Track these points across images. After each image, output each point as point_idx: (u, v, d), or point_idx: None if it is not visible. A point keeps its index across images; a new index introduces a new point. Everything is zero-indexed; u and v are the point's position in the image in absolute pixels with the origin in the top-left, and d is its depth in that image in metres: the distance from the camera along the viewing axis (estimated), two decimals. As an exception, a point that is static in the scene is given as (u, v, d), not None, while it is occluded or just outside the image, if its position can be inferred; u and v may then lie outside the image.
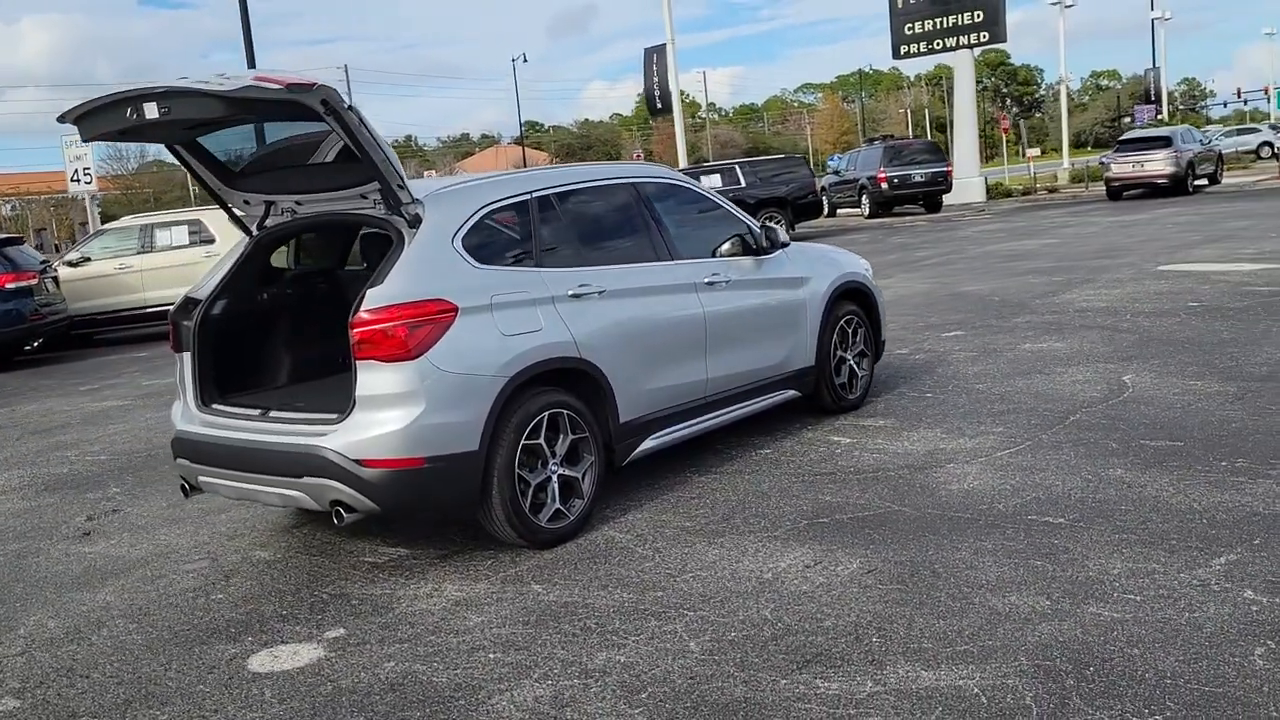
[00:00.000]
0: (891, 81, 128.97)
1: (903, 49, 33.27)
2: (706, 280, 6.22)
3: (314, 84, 4.46)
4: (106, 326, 16.95)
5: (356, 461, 4.71)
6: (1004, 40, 33.11)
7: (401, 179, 4.89)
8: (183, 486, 5.52)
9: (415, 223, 4.97)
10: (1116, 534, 4.72)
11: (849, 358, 7.36)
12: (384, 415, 4.73)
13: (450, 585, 4.86)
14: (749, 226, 6.79)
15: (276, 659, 4.27)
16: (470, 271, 5.07)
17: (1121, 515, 4.94)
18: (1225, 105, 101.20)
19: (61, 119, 4.97)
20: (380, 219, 5.16)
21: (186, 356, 5.53)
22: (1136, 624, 3.84)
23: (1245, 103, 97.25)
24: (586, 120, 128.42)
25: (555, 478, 5.24)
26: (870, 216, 31.37)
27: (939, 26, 32.48)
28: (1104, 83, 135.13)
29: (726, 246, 6.51)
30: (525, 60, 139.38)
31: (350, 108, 4.60)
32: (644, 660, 3.92)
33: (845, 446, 6.58)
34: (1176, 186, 28.89)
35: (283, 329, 6.07)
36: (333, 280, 6.34)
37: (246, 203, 5.71)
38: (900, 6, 32.77)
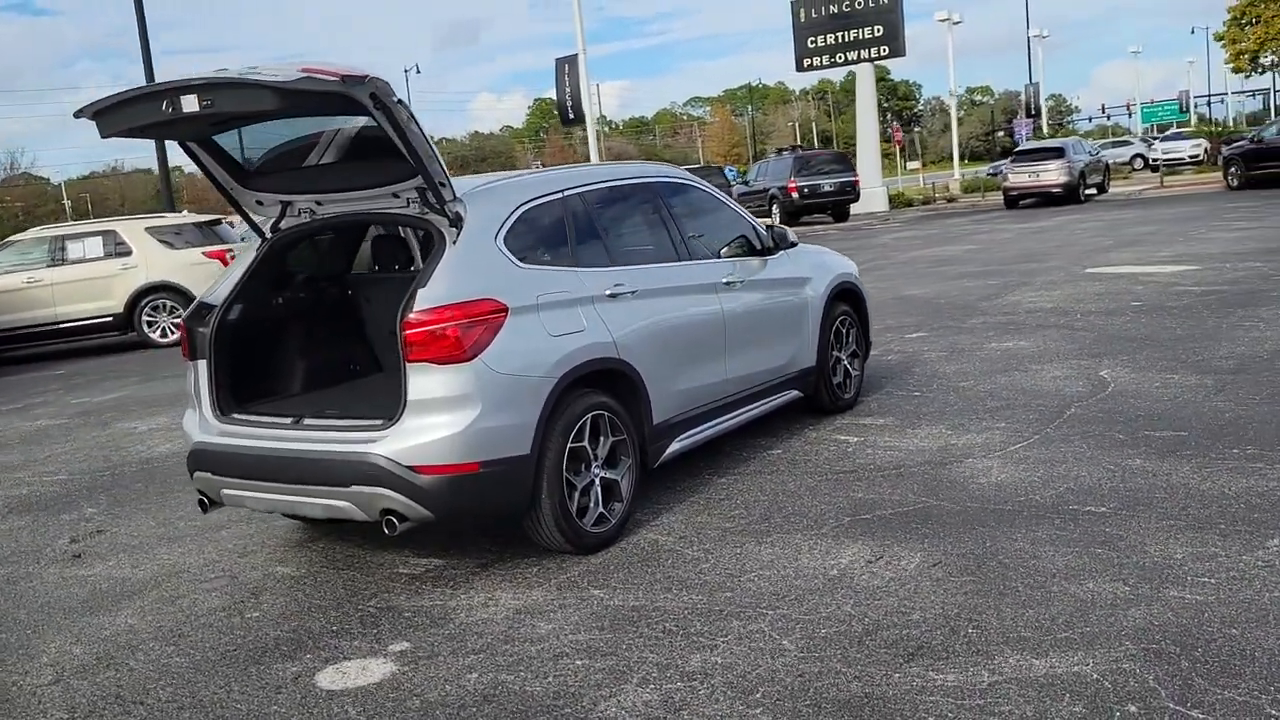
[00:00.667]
0: (779, 96, 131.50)
1: (806, 62, 33.91)
2: (725, 280, 6.20)
3: (365, 76, 4.29)
4: (15, 344, 16.08)
5: (410, 468, 4.54)
6: (903, 54, 34.06)
7: (446, 176, 4.74)
8: (201, 501, 5.24)
9: (457, 221, 4.82)
10: (1163, 520, 4.82)
11: (843, 358, 7.42)
12: (438, 419, 4.56)
13: (504, 594, 4.71)
14: (754, 227, 6.79)
15: (345, 675, 4.08)
16: (515, 271, 4.95)
17: (1160, 503, 5.05)
18: (1090, 120, 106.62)
19: (79, 114, 4.68)
20: (418, 218, 4.99)
21: (202, 365, 5.26)
22: (1223, 605, 3.92)
23: (1109, 117, 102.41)
24: (476, 132, 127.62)
25: (597, 481, 5.14)
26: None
27: (840, 40, 33.23)
28: (978, 98, 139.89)
29: (735, 246, 6.49)
30: (419, 72, 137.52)
31: (400, 101, 4.44)
32: (742, 661, 3.85)
33: (855, 445, 6.60)
34: (1069, 195, 30.02)
35: (298, 334, 5.83)
36: (347, 284, 6.11)
37: (259, 203, 5.47)
38: (803, 21, 33.42)
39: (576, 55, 28.58)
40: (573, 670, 3.91)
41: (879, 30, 32.54)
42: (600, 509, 5.12)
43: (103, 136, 4.77)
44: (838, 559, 4.74)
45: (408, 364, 4.58)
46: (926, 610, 4.13)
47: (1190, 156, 45.61)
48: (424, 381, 4.57)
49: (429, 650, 4.21)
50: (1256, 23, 40.34)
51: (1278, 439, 5.88)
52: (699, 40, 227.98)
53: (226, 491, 5.08)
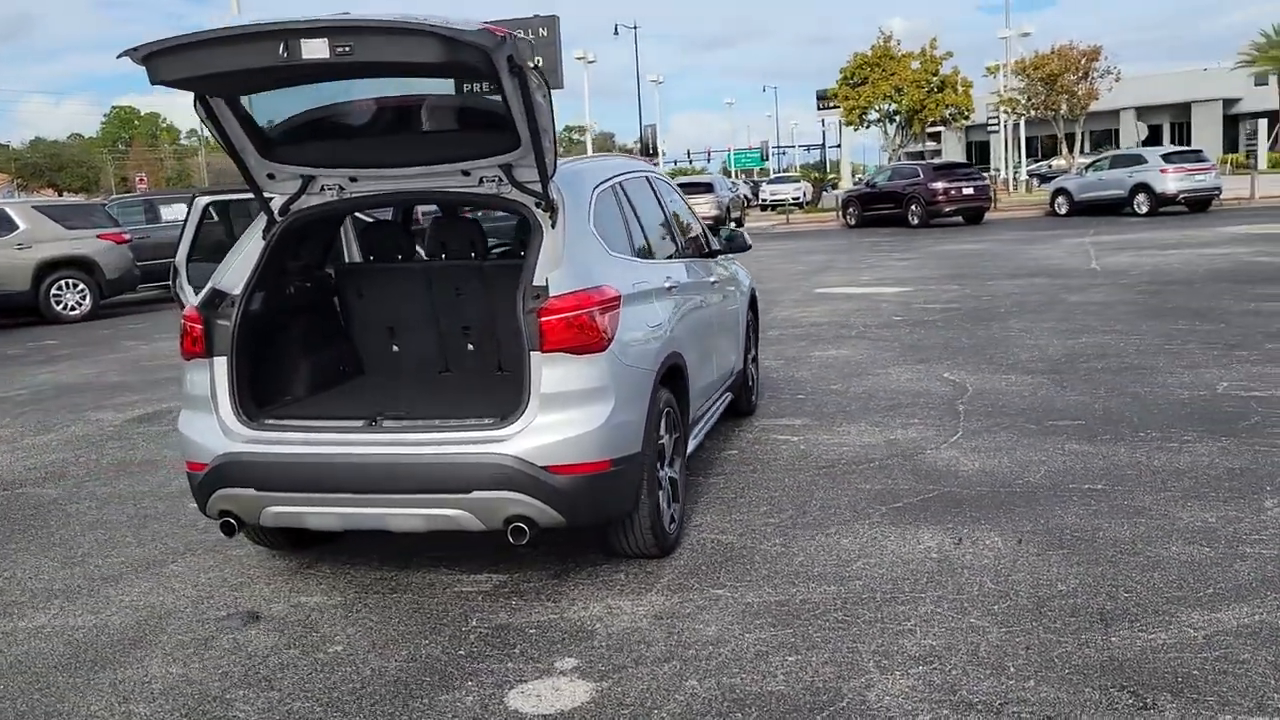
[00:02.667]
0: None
1: (464, 88, 33.70)
2: (712, 280, 6.18)
3: (509, 34, 3.91)
4: None
5: (543, 468, 4.14)
6: (560, 88, 34.99)
7: (556, 154, 4.40)
8: (227, 524, 4.43)
9: (552, 204, 4.47)
10: (1159, 493, 5.41)
11: (749, 362, 7.60)
12: (573, 414, 4.20)
13: (622, 602, 4.41)
14: (703, 227, 6.82)
15: (541, 699, 3.66)
16: (609, 259, 4.68)
17: (1139, 479, 5.66)
18: (675, 162, 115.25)
19: (131, 54, 3.83)
20: (496, 199, 4.56)
21: (220, 362, 4.46)
22: (1306, 555, 4.50)
23: (691, 161, 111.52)
24: (39, 139, 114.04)
25: (666, 480, 4.95)
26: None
27: (499, 67, 33.43)
28: (575, 136, 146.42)
29: (698, 245, 6.50)
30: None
31: (536, 67, 4.07)
32: (955, 640, 3.89)
33: (802, 444, 6.79)
34: (718, 226, 32.19)
35: (315, 328, 5.09)
36: (375, 272, 5.42)
37: (271, 176, 4.73)
38: (462, 42, 33.24)
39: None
40: (795, 666, 3.76)
41: (538, 61, 33.18)
42: (670, 509, 4.93)
43: (154, 82, 3.95)
44: (922, 543, 4.88)
45: (540, 355, 4.18)
46: (1066, 581, 4.37)
47: (793, 198, 50.43)
48: (558, 373, 4.19)
49: (608, 664, 3.86)
50: (864, 83, 45.72)
51: (1164, 422, 6.75)
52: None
53: (276, 510, 4.34)
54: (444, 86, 4.57)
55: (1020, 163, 50.55)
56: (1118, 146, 52.49)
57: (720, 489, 5.89)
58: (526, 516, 4.16)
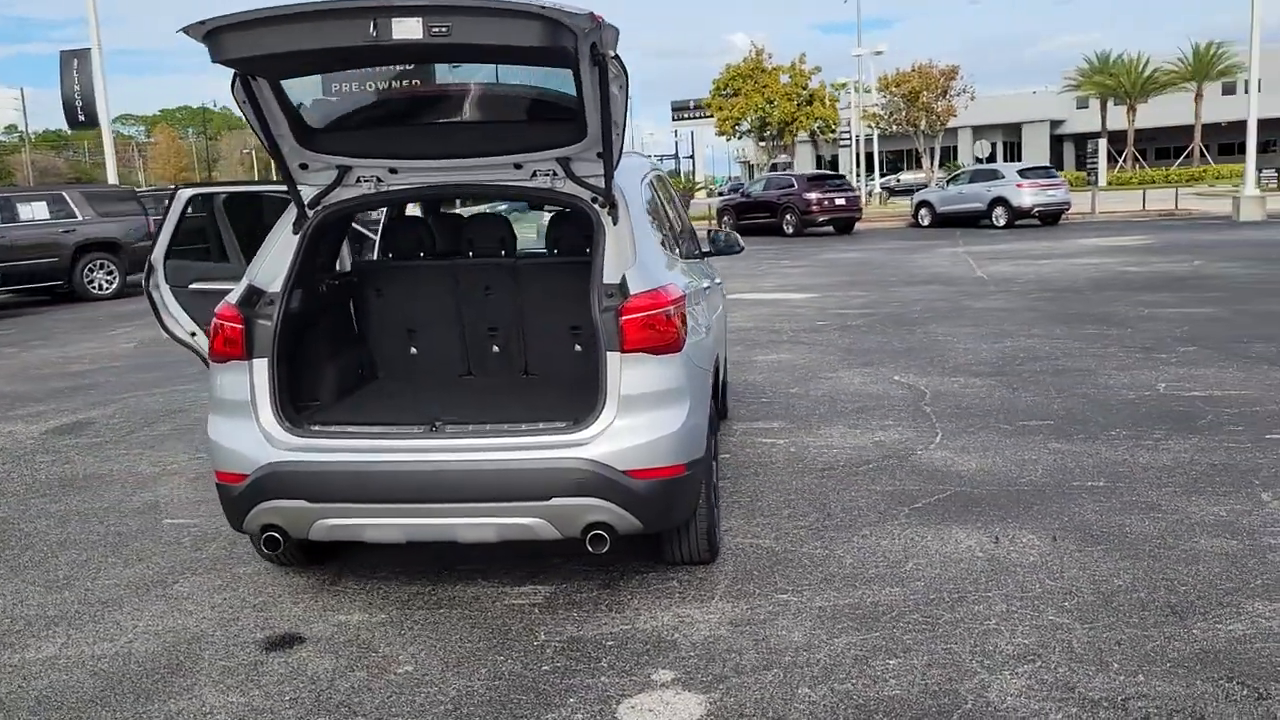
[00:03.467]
0: (223, 121, 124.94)
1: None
2: (717, 281, 6.11)
3: (601, 19, 3.76)
4: None
5: (624, 473, 3.98)
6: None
7: (621, 148, 4.25)
8: (271, 538, 4.10)
9: (612, 200, 4.32)
10: (1161, 489, 5.59)
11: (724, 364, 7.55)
12: (653, 416, 4.05)
13: (690, 610, 4.28)
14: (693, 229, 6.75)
15: (655, 714, 3.52)
16: (664, 256, 4.55)
17: (1133, 476, 5.84)
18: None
19: (190, 30, 3.51)
20: (551, 193, 4.38)
21: (260, 365, 4.14)
22: (1325, 545, 4.72)
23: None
24: None
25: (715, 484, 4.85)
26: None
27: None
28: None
29: (697, 245, 6.42)
30: None
31: (616, 56, 3.93)
32: (1046, 638, 3.91)
33: (791, 446, 6.78)
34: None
35: (329, 328, 4.76)
36: (409, 268, 5.13)
37: (305, 167, 4.42)
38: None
39: (90, 49, 25.22)
40: (901, 670, 3.71)
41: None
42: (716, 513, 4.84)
43: (216, 61, 3.63)
44: (961, 542, 4.92)
45: (620, 355, 4.02)
46: (1119, 576, 4.46)
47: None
48: (639, 374, 4.03)
49: (707, 674, 3.74)
50: (737, 94, 46.58)
51: (1128, 422, 7.01)
52: (122, 54, 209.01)
53: (330, 523, 4.04)
54: (506, 74, 4.36)
55: (873, 176, 52.25)
56: (955, 162, 54.83)
57: (731, 493, 5.81)
58: (606, 524, 3.99)
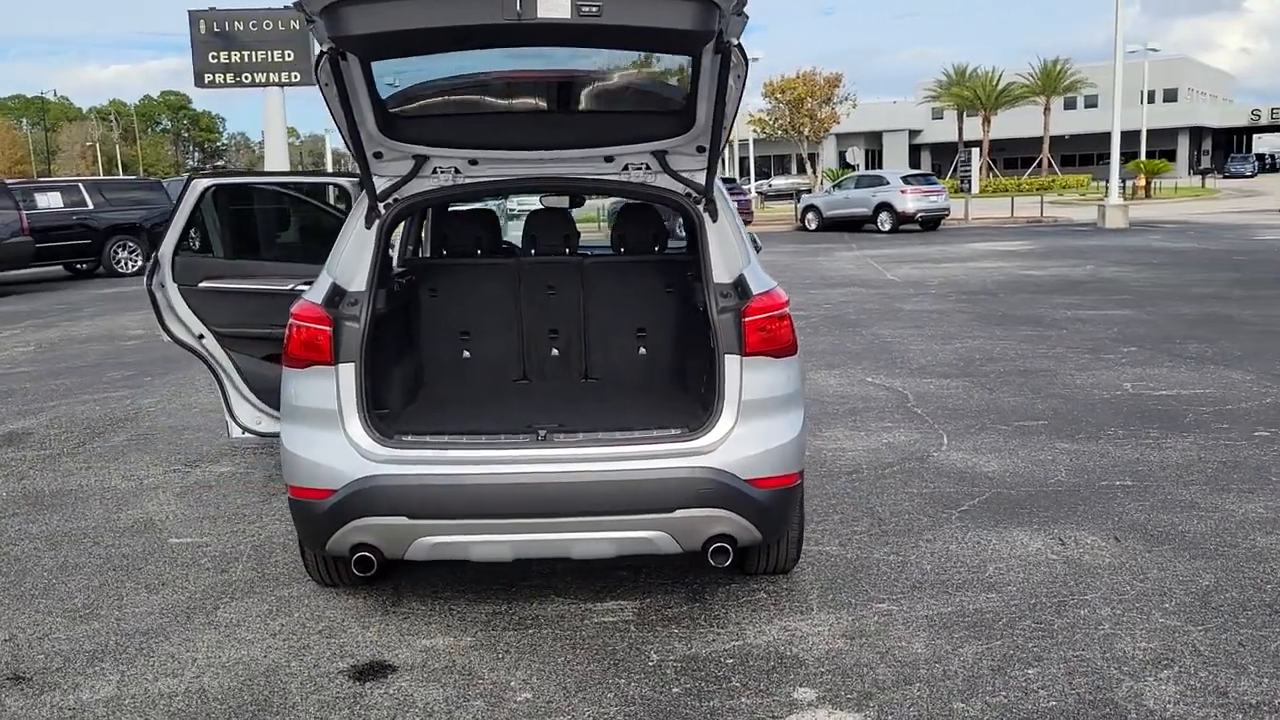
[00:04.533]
0: (60, 111, 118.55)
1: (207, 78, 31.34)
2: None
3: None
4: None
5: (747, 482, 3.80)
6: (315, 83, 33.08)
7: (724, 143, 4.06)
8: (365, 558, 3.76)
9: (711, 197, 4.12)
10: (1189, 487, 5.69)
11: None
12: (774, 423, 3.87)
13: (797, 624, 4.12)
14: None
15: (819, 735, 3.34)
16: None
17: (1155, 475, 5.94)
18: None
19: (303, 7, 3.17)
20: (654, 189, 4.15)
21: (347, 370, 3.79)
22: (1374, 540, 4.86)
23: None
24: None
25: (792, 491, 4.69)
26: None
27: (247, 60, 31.36)
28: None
29: None
30: None
31: (739, 44, 3.74)
32: (1168, 641, 3.89)
33: (809, 450, 6.66)
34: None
35: (396, 331, 4.41)
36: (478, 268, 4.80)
37: (379, 155, 4.08)
38: (203, 33, 30.83)
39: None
40: (1044, 680, 3.63)
41: (289, 55, 31.35)
42: (790, 522, 4.68)
43: (333, 36, 3.29)
44: (1028, 545, 4.89)
45: (742, 359, 3.82)
46: (1201, 576, 4.48)
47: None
48: (761, 379, 3.85)
49: (851, 691, 3.59)
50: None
51: (1118, 422, 7.14)
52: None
53: (432, 541, 3.73)
54: (609, 59, 4.09)
55: (749, 180, 52.98)
56: (830, 169, 56.04)
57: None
58: (730, 536, 3.79)
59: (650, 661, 3.81)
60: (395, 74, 3.90)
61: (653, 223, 5.16)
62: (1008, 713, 3.40)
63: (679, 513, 3.71)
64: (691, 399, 4.61)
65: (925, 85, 71.85)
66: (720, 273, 3.94)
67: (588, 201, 6.47)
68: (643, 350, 4.98)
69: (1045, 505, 5.44)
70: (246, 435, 5.63)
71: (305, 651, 3.95)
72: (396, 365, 4.49)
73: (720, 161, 4.11)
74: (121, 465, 6.66)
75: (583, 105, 4.24)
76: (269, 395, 5.45)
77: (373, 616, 4.24)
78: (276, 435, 5.56)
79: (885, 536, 5.04)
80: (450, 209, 5.24)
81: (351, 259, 3.95)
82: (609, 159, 4.12)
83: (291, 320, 3.86)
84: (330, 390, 3.77)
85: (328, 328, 3.77)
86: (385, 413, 4.19)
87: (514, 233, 6.50)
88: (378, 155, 4.06)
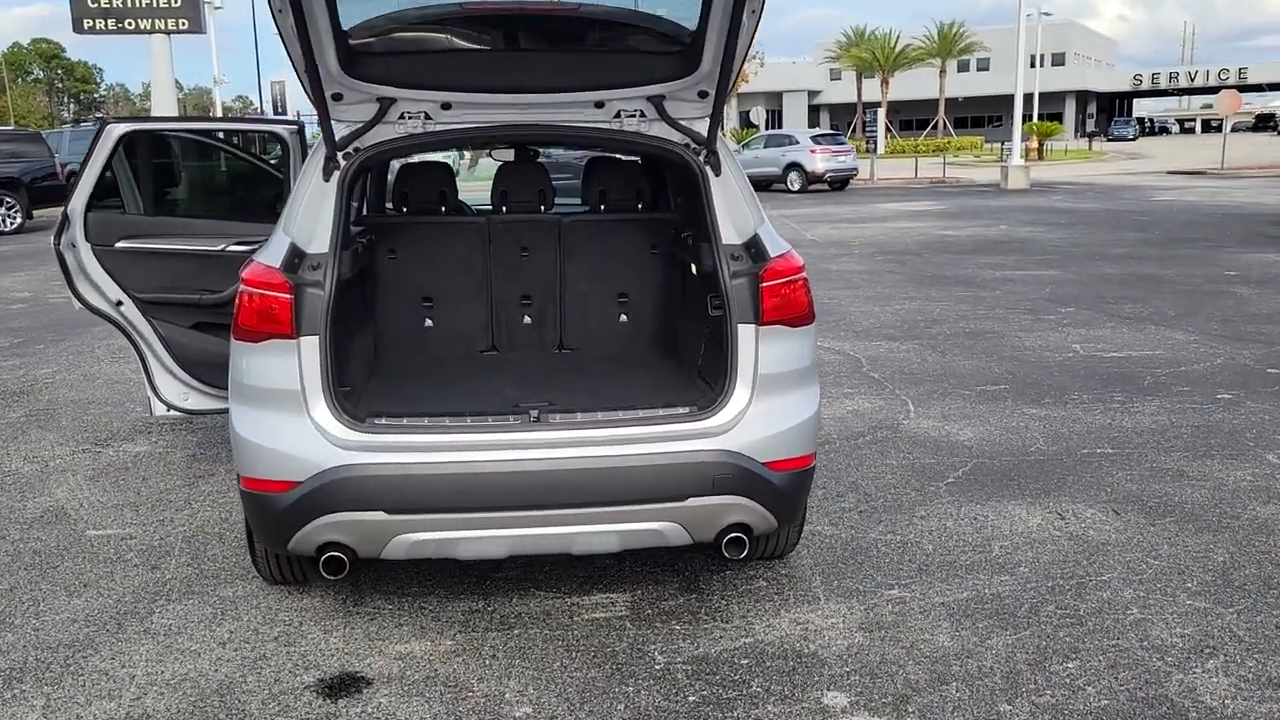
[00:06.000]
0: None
1: (86, 23, 29.45)
2: None
3: None
4: None
5: (764, 465, 3.43)
6: (203, 31, 31.49)
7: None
8: (335, 559, 3.28)
9: (714, 147, 3.71)
10: (1170, 454, 5.52)
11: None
12: (791, 399, 3.50)
13: (808, 615, 3.79)
14: None
15: (863, 747, 3.01)
16: (760, 214, 3.97)
17: (1132, 442, 5.76)
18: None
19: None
20: (650, 140, 3.71)
21: (310, 345, 3.29)
22: (1372, 508, 4.73)
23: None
24: None
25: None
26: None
27: (130, 5, 29.54)
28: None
29: None
30: None
31: None
32: (1203, 625, 3.67)
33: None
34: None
35: (356, 298, 3.90)
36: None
37: (338, 98, 3.55)
38: (83, -25, 28.95)
39: None
40: (1087, 675, 3.36)
41: (175, 1, 29.64)
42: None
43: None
44: (1029, 520, 4.65)
45: (758, 329, 3.44)
46: (1213, 552, 4.27)
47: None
48: (778, 351, 3.47)
49: (884, 694, 3.27)
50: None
51: (1079, 385, 6.99)
52: None
53: (414, 538, 3.27)
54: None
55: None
56: (741, 129, 55.90)
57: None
58: (746, 525, 3.42)
59: (656, 665, 3.43)
60: (358, 3, 3.37)
61: (637, 178, 4.72)
62: (1059, 714, 3.12)
63: (691, 501, 3.32)
64: (680, 370, 4.21)
65: (826, 46, 72.14)
66: (729, 233, 3.54)
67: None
68: (624, 317, 4.56)
69: (1032, 476, 5.21)
70: (172, 413, 5.05)
71: (262, 663, 3.47)
72: (356, 336, 3.99)
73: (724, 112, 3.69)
74: (21, 445, 5.99)
75: (573, 42, 3.77)
76: (196, 368, 4.88)
77: (334, 619, 3.77)
78: (205, 412, 5.02)
79: (876, 514, 4.74)
80: (408, 160, 4.71)
81: (309, 216, 3.43)
82: (599, 104, 3.67)
83: (243, 286, 3.34)
84: (291, 368, 3.27)
85: (287, 295, 3.26)
86: (347, 390, 3.69)
87: (473, 191, 5.97)
88: (337, 97, 3.53)
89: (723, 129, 3.69)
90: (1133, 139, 74.86)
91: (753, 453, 3.37)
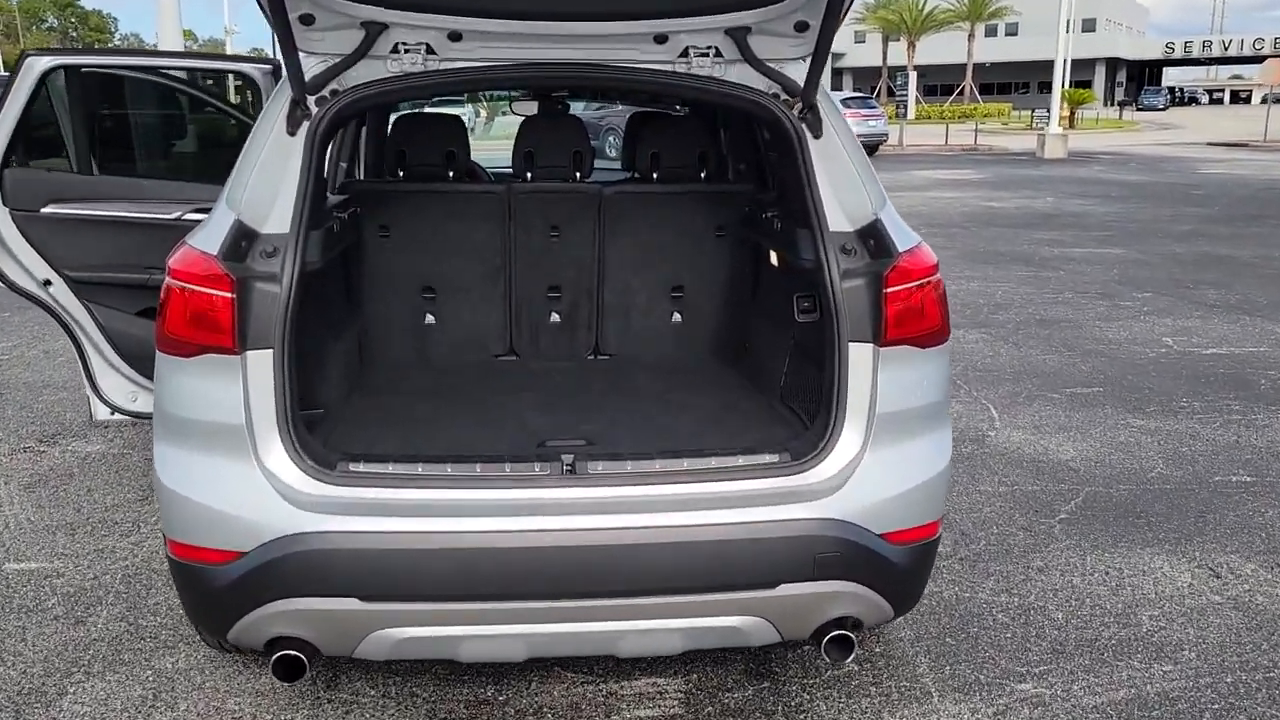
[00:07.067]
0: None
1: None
2: None
3: None
4: None
5: (880, 537, 2.50)
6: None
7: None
8: (293, 657, 2.38)
9: (813, 101, 2.74)
10: (1321, 485, 4.61)
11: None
12: (918, 446, 2.57)
13: (941, 705, 2.88)
14: None
15: None
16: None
17: (1272, 468, 4.84)
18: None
19: None
20: (728, 88, 2.74)
21: (261, 361, 2.36)
22: None
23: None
24: None
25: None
26: None
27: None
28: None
29: None
30: None
31: None
32: None
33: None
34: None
35: (332, 292, 2.97)
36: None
37: (308, 21, 2.59)
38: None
39: None
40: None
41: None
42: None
43: None
44: (1177, 579, 3.73)
45: (879, 349, 2.50)
46: None
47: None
48: (904, 379, 2.53)
49: None
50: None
51: (1185, 390, 6.05)
52: None
53: (398, 634, 2.36)
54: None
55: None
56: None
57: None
58: (854, 619, 2.50)
59: None
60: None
61: (696, 138, 3.77)
62: None
63: (784, 589, 2.40)
64: (752, 390, 3.29)
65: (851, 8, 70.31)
66: (837, 217, 2.60)
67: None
68: (677, 317, 3.63)
69: (1162, 512, 4.28)
70: (116, 417, 4.15)
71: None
72: (333, 341, 3.06)
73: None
74: (-52, 441, 5.11)
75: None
76: (145, 363, 3.95)
77: (299, 708, 2.87)
78: None
79: (982, 562, 3.82)
80: (408, 110, 3.76)
81: (265, 184, 2.49)
82: (660, 39, 2.71)
83: (169, 279, 2.41)
84: (234, 394, 2.35)
85: (228, 293, 2.33)
86: (318, 414, 2.77)
87: (488, 151, 5.00)
88: (307, 20, 2.58)
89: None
90: (1163, 109, 72.98)
91: (867, 521, 2.45)
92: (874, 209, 2.61)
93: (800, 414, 2.87)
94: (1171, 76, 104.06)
